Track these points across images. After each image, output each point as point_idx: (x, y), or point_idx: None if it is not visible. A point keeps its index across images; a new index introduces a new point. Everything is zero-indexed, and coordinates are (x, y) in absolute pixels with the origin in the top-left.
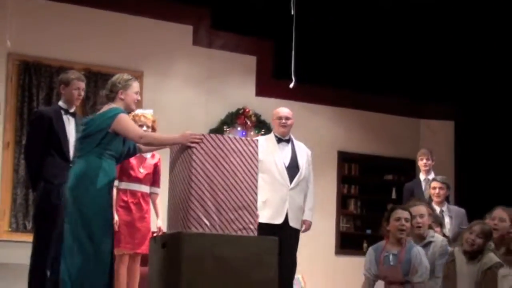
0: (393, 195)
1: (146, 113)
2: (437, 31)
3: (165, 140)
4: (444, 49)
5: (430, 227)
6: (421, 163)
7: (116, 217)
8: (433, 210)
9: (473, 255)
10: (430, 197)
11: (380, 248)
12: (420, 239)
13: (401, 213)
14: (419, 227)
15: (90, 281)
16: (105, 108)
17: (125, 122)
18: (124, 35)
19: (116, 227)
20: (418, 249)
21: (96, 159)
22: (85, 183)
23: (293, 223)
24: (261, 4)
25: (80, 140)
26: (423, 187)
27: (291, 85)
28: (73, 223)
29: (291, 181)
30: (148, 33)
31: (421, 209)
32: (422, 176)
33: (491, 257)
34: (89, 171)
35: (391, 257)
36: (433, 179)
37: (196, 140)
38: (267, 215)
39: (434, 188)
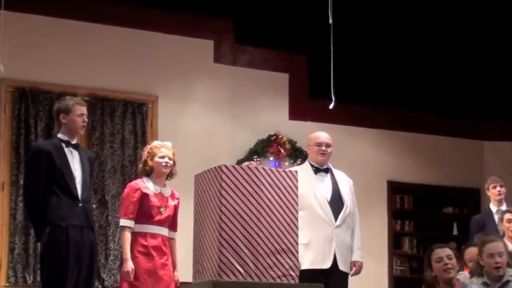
0: (455, 231)
1: (165, 144)
2: (497, 36)
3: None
4: (506, 59)
5: (508, 265)
6: (494, 191)
7: (132, 265)
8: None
9: None
10: (504, 232)
11: None
12: (498, 279)
13: (441, 252)
14: (498, 268)
15: None
16: None
17: None
18: (135, 54)
19: (131, 277)
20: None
21: None
22: None
23: (342, 267)
24: (293, 13)
25: None
26: (496, 219)
27: (331, 106)
28: None
29: (335, 217)
30: (162, 50)
31: (499, 246)
32: (493, 207)
33: None
34: None
35: None
36: (507, 210)
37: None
38: (310, 259)
39: (510, 220)
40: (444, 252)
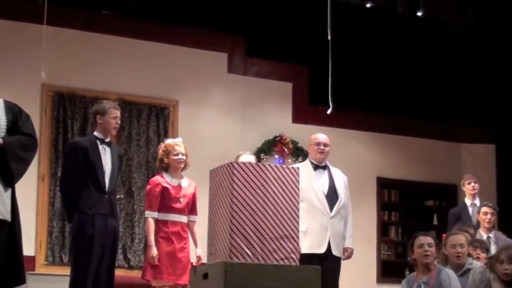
0: (435, 221)
1: (177, 141)
2: (474, 52)
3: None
4: (482, 70)
5: (469, 255)
6: (469, 187)
7: (156, 251)
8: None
9: (511, 283)
10: (478, 222)
11: (412, 278)
12: (459, 267)
13: (423, 239)
14: (459, 256)
15: None
16: None
17: None
18: (158, 64)
19: (156, 261)
20: (447, 272)
21: None
22: None
23: (335, 252)
24: (296, 30)
25: None
26: (470, 212)
27: (329, 111)
28: None
29: (331, 209)
30: (183, 61)
31: (461, 238)
32: (468, 201)
33: None
34: None
35: (422, 286)
36: (484, 204)
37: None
38: (308, 244)
39: (486, 213)
40: (426, 240)
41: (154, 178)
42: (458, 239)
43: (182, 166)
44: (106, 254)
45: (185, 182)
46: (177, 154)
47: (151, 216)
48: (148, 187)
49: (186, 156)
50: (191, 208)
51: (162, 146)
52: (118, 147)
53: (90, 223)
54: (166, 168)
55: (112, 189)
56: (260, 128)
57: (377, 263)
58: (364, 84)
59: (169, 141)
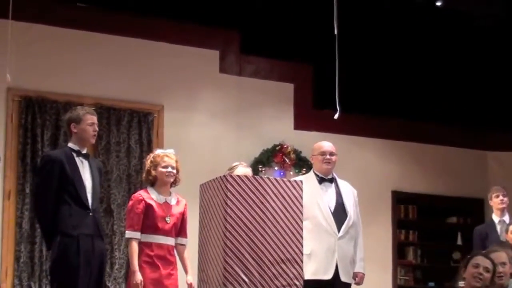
0: (459, 241)
1: (168, 152)
2: (501, 49)
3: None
4: (510, 69)
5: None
6: (497, 200)
7: (140, 277)
8: None
9: None
10: (507, 242)
11: None
12: None
13: (481, 260)
14: (501, 276)
15: None
16: None
17: None
18: (141, 64)
19: None
20: None
21: None
22: None
23: (344, 277)
24: (298, 24)
25: None
26: (499, 230)
27: (336, 116)
28: None
29: (338, 228)
30: (168, 60)
31: (502, 256)
32: (495, 218)
33: None
34: None
35: None
36: None
37: None
38: (313, 269)
39: None
40: (484, 262)
41: (137, 193)
42: (499, 256)
43: (171, 180)
44: (92, 282)
45: (173, 200)
46: (166, 167)
47: (133, 237)
48: (130, 203)
49: (177, 170)
50: (180, 229)
51: (150, 156)
52: (97, 160)
53: (75, 248)
54: (152, 182)
55: (96, 206)
56: (258, 136)
57: None
58: (376, 85)
59: (159, 151)
